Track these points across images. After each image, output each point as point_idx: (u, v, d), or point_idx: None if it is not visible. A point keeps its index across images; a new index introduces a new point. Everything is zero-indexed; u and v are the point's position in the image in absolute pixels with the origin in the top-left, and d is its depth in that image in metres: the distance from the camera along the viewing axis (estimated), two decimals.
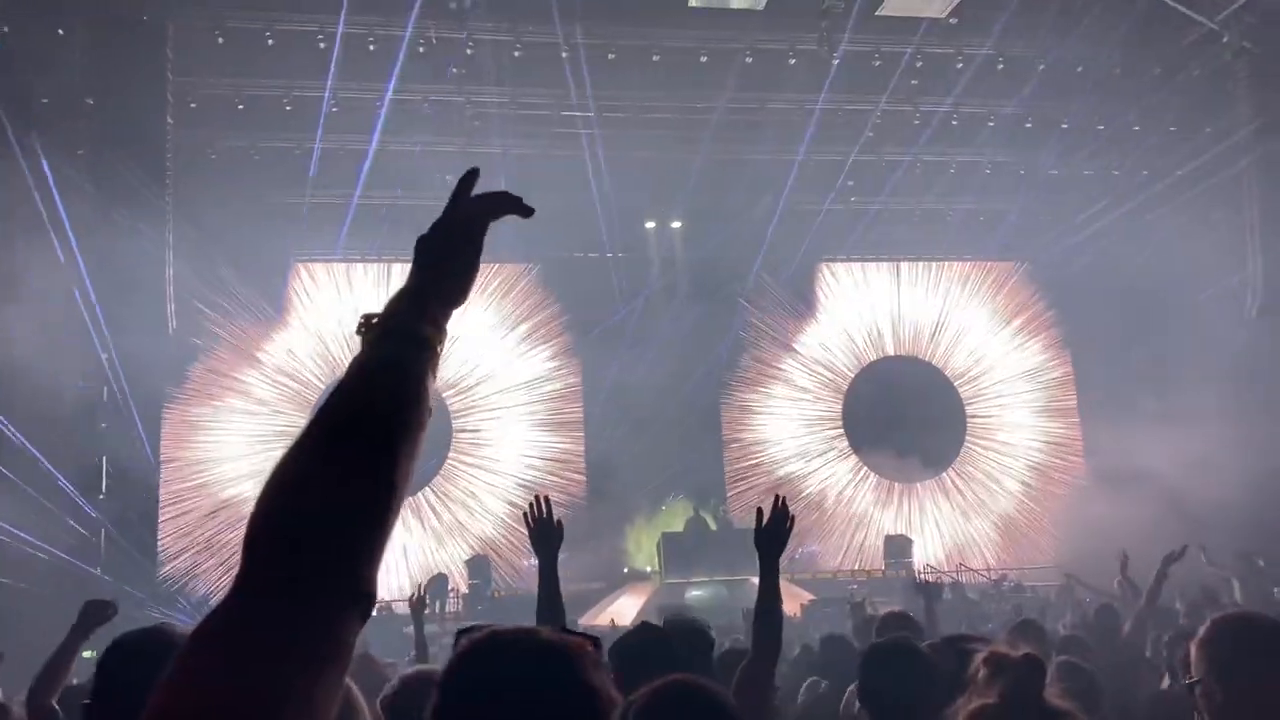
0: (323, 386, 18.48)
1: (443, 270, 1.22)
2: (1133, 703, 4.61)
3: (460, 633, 1.43)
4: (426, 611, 16.48)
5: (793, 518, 3.52)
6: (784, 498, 3.58)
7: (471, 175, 1.30)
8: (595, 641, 1.38)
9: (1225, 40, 15.79)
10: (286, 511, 0.93)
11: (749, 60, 16.66)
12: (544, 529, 3.83)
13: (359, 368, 1.07)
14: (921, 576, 15.70)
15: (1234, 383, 17.68)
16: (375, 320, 1.14)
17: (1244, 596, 9.18)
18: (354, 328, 1.15)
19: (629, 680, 2.17)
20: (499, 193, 1.30)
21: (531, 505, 3.84)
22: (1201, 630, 2.38)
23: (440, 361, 1.14)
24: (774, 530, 3.49)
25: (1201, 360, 17.15)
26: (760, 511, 3.52)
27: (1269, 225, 16.31)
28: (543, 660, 1.35)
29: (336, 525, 0.92)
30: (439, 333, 1.15)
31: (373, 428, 1.00)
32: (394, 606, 14.92)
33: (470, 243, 1.25)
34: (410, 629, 7.04)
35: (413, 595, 6.55)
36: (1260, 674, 2.23)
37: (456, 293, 1.22)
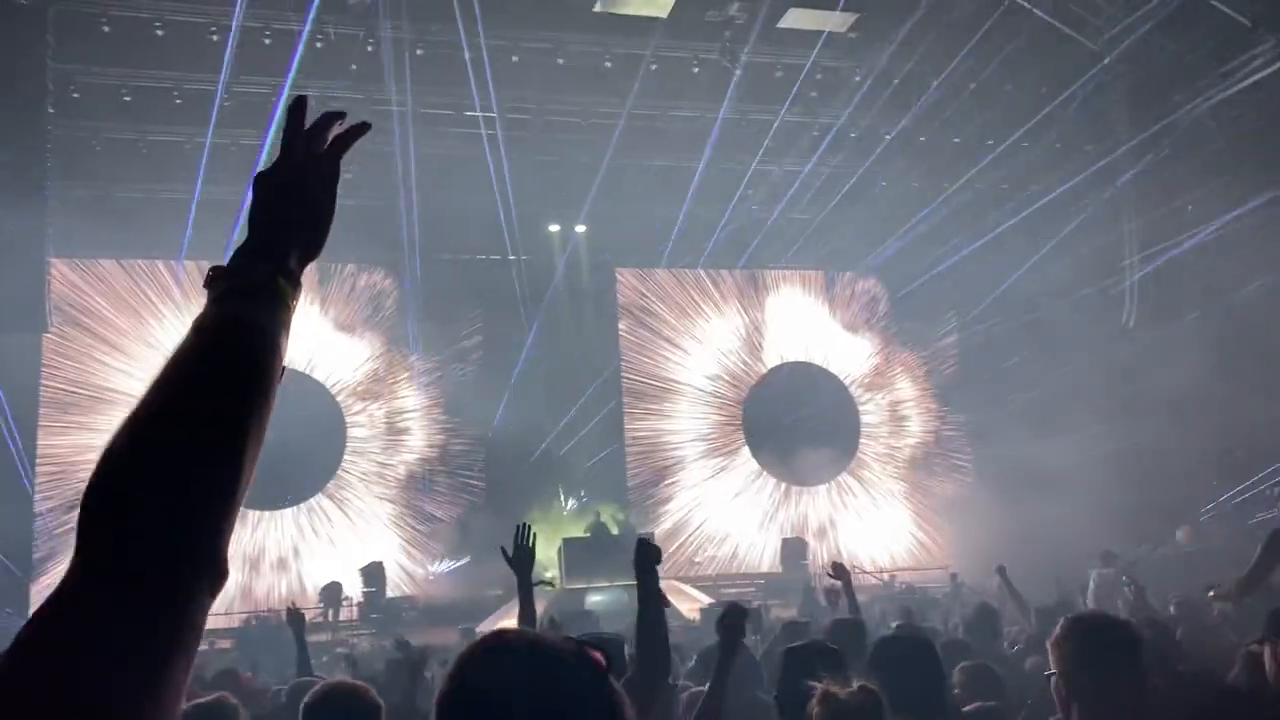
0: None
1: (297, 216, 1.10)
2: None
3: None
4: (320, 619, 16.13)
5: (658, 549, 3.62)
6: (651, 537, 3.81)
7: (300, 104, 1.17)
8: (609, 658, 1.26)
9: (1105, 62, 16.52)
10: (130, 482, 0.84)
11: (653, 68, 16.76)
12: (521, 553, 4.34)
13: (204, 325, 0.97)
14: (820, 580, 16.02)
15: (1112, 388, 18.51)
16: (223, 272, 1.03)
17: (1095, 598, 9.86)
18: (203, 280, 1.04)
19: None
20: (338, 123, 1.17)
21: (517, 532, 4.36)
22: (1056, 630, 2.62)
23: (293, 316, 1.04)
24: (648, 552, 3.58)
25: (1081, 367, 17.91)
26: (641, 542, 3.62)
27: (1145, 240, 17.10)
28: (570, 670, 1.21)
29: (183, 496, 0.84)
30: (294, 286, 1.05)
31: (219, 390, 0.91)
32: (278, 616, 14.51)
33: (325, 185, 1.13)
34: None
35: (289, 606, 6.29)
36: (1096, 668, 2.45)
37: (313, 241, 1.11)
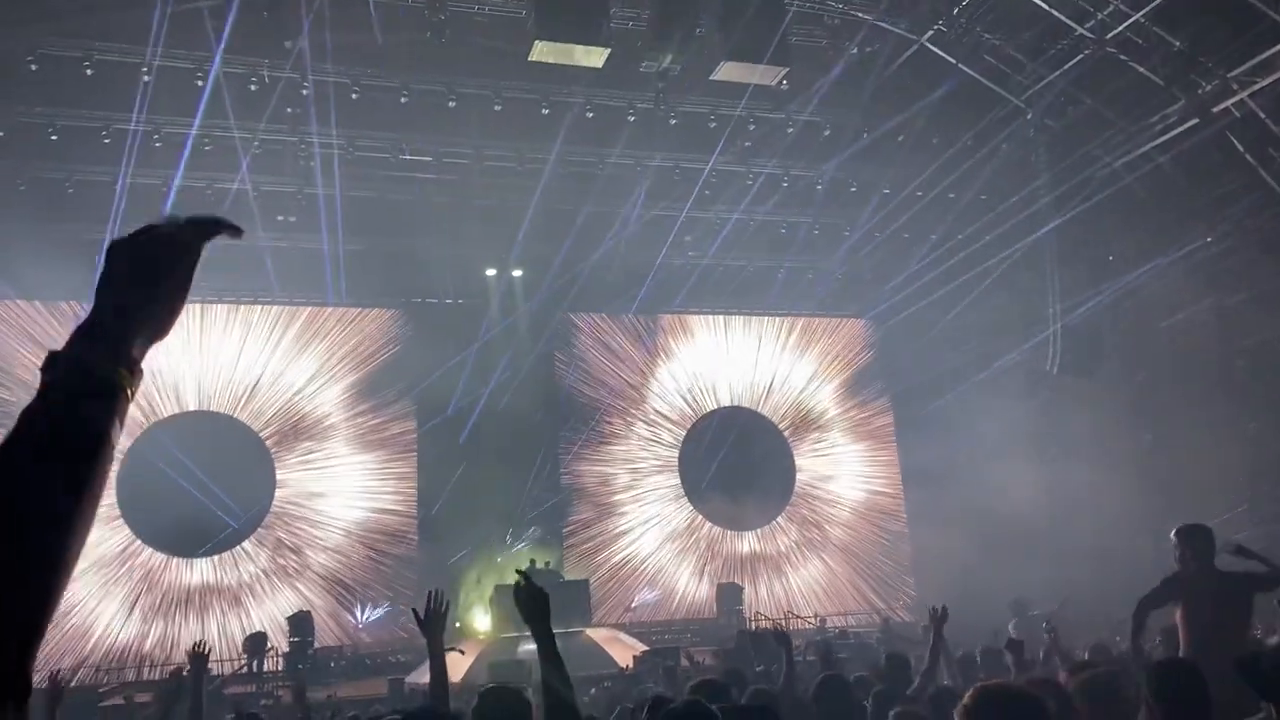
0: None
1: (148, 296, 1.04)
2: None
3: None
4: (244, 670, 15.65)
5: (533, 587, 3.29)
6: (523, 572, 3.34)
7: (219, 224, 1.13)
8: None
9: (1029, 116, 17.10)
10: None
11: (589, 115, 16.93)
12: (433, 619, 4.18)
13: (29, 419, 0.92)
14: (753, 625, 16.02)
15: (1038, 433, 18.91)
16: (58, 358, 0.97)
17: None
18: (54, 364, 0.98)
19: None
20: (211, 216, 1.13)
21: (429, 598, 4.19)
22: (965, 698, 2.59)
23: (130, 404, 0.99)
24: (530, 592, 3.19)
25: (1007, 412, 18.27)
26: (519, 573, 3.30)
27: (1067, 289, 17.60)
28: None
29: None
30: (134, 374, 0.99)
31: (36, 496, 0.87)
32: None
33: (182, 268, 1.08)
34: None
35: (195, 645, 5.66)
36: None
37: (160, 326, 1.05)
